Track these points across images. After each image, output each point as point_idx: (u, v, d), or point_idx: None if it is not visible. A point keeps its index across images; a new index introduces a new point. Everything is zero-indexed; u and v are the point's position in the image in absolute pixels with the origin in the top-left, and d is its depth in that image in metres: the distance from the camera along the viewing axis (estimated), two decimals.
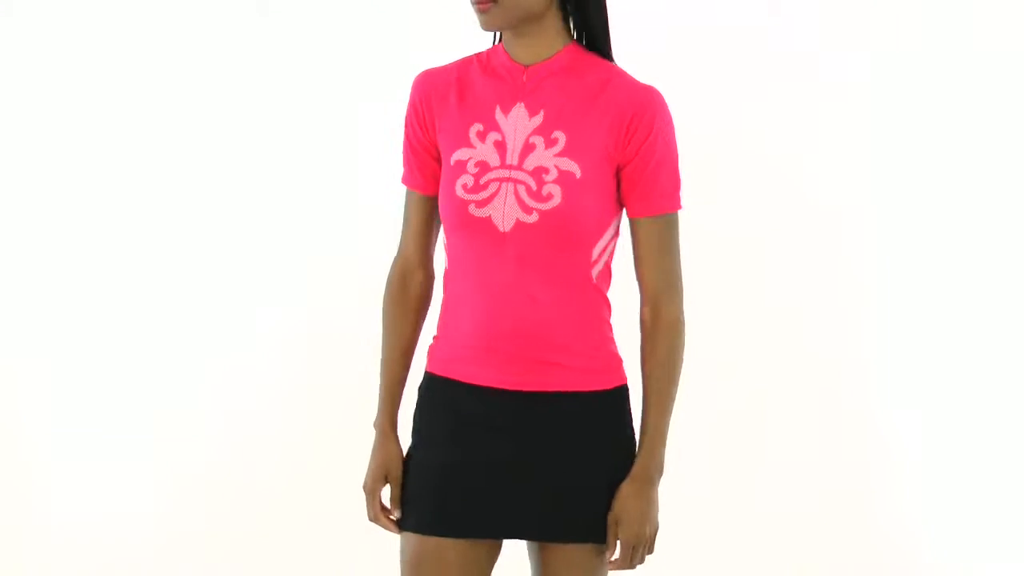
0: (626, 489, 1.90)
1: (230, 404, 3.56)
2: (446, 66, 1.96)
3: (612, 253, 1.93)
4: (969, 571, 3.45)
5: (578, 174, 1.85)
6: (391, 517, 2.00)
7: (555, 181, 1.85)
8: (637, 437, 1.95)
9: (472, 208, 1.87)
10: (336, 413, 3.52)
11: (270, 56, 3.48)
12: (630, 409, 1.97)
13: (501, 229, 1.86)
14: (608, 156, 1.86)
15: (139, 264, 3.55)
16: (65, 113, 3.51)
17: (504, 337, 1.89)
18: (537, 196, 1.86)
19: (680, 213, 1.92)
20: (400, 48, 3.43)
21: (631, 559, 1.92)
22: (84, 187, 3.53)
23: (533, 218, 1.86)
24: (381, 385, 2.03)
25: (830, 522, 3.49)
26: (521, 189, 1.86)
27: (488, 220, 1.86)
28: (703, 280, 3.50)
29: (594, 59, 1.90)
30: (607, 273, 1.93)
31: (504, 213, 1.86)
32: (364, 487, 2.02)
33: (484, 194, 1.87)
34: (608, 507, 1.91)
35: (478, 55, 1.95)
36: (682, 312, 1.94)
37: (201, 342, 3.57)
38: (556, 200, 1.85)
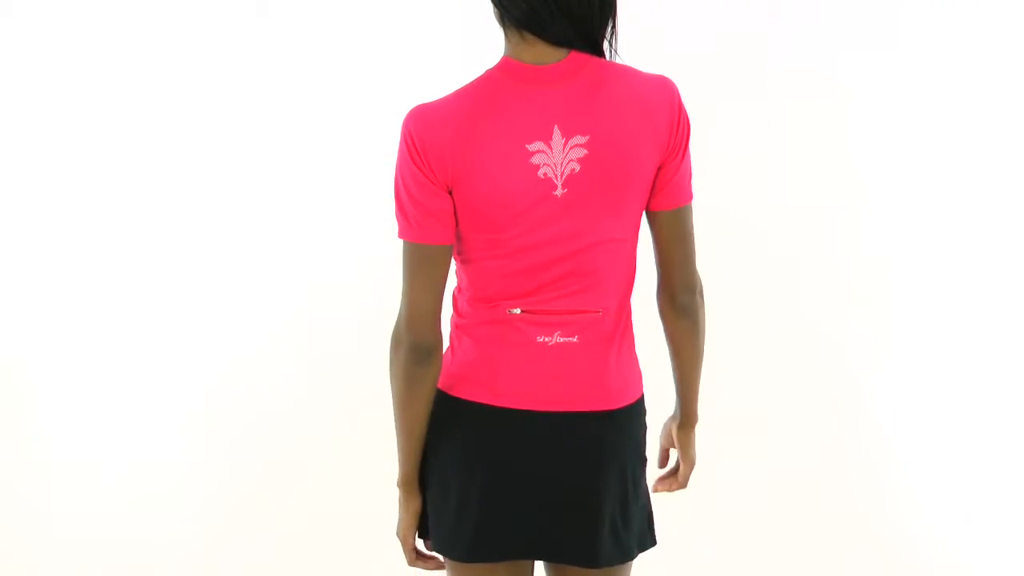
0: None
1: (230, 403, 3.57)
2: None
3: (468, 266, 2.01)
4: (971, 571, 3.46)
5: None
6: None
7: None
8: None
9: None
10: (337, 413, 3.53)
11: (270, 56, 3.48)
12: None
13: None
14: None
15: (138, 264, 3.55)
16: (65, 113, 3.51)
17: None
18: None
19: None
20: (400, 49, 3.44)
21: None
22: (84, 187, 3.53)
23: None
24: None
25: (831, 523, 3.49)
26: None
27: None
28: (704, 281, 3.51)
29: None
30: (462, 281, 2.04)
31: None
32: None
33: None
34: None
35: None
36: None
37: (199, 342, 3.57)
38: None
